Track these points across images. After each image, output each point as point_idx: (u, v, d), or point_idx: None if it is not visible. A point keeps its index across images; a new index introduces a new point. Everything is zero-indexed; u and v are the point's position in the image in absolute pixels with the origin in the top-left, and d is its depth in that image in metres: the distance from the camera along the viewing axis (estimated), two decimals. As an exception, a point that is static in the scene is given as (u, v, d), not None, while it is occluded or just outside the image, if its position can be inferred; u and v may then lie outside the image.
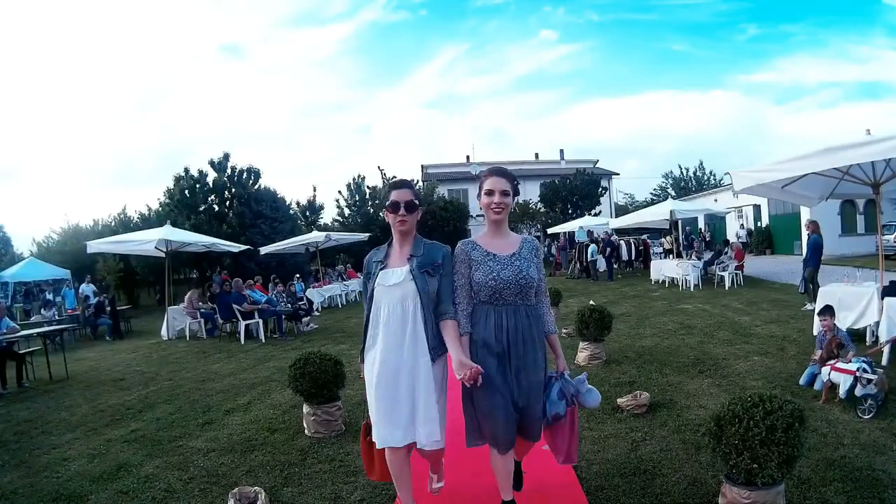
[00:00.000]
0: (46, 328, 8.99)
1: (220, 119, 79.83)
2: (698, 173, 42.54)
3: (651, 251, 18.63)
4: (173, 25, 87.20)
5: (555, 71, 75.12)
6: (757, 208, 23.20)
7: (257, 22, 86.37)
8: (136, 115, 78.00)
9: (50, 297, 15.75)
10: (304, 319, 10.36)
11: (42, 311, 12.93)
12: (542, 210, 27.03)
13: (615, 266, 16.84)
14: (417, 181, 28.49)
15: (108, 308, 12.24)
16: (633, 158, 74.00)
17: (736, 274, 12.29)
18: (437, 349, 2.29)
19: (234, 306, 9.19)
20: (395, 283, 2.30)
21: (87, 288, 15.31)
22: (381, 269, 2.36)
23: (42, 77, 77.38)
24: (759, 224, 23.17)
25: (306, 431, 4.02)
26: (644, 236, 20.31)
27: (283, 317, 9.96)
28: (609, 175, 33.07)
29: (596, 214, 25.63)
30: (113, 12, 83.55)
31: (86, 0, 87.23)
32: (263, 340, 9.16)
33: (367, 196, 27.03)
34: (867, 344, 5.66)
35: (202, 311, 10.65)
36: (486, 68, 77.78)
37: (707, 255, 14.83)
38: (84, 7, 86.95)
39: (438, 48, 78.67)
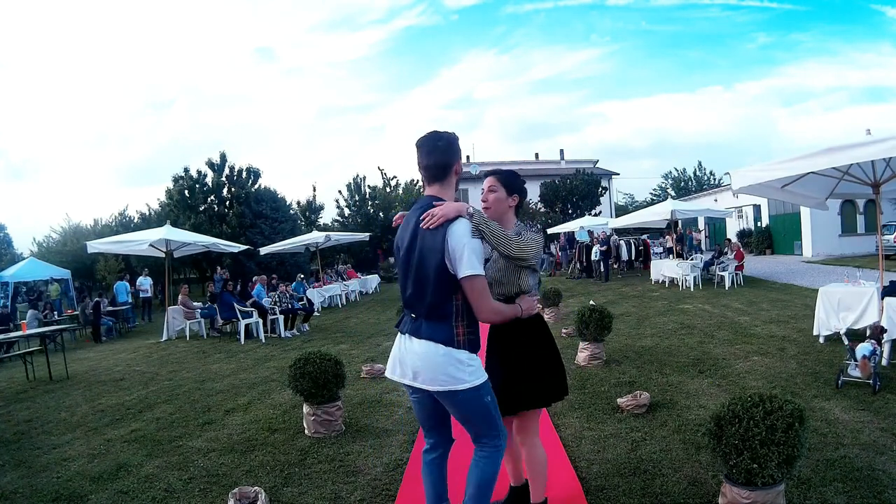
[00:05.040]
0: (46, 328, 9.01)
1: (230, 121, 79.68)
2: (698, 173, 42.59)
3: (651, 251, 18.63)
4: (173, 25, 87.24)
5: (569, 77, 75.56)
6: (757, 208, 23.21)
7: (287, 26, 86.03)
8: (148, 115, 77.97)
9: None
10: (303, 328, 10.38)
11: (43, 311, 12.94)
12: (542, 210, 27.05)
13: (614, 266, 16.77)
14: (416, 183, 28.49)
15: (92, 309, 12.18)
16: (635, 159, 74.13)
17: (736, 274, 12.28)
18: None
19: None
20: None
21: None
22: None
23: (81, 82, 77.31)
24: (759, 224, 23.17)
25: (306, 431, 4.01)
26: (644, 236, 20.31)
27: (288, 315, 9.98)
28: (609, 175, 33.11)
29: (596, 214, 25.65)
30: (116, 14, 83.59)
31: (90, 4, 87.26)
32: (263, 340, 9.17)
33: (367, 196, 27.06)
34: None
35: (201, 310, 10.66)
36: (503, 73, 78.07)
37: (702, 256, 14.81)
38: (91, 10, 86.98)
39: (461, 53, 78.89)
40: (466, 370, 1.96)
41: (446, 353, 1.95)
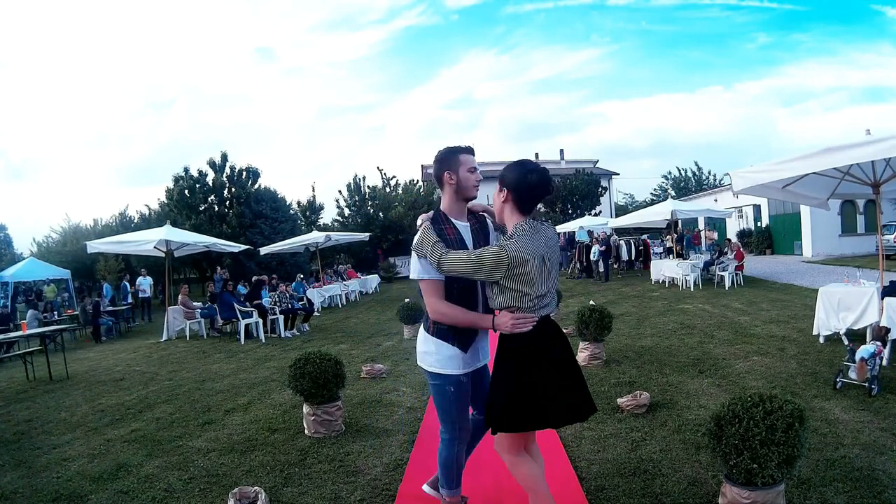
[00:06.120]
0: (46, 328, 9.00)
1: (230, 121, 79.61)
2: (698, 173, 42.56)
3: (651, 251, 18.61)
4: (173, 26, 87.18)
5: (569, 77, 75.65)
6: (757, 208, 23.19)
7: (287, 26, 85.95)
8: (148, 115, 77.94)
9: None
10: (303, 328, 10.38)
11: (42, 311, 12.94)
12: (542, 210, 27.03)
13: (614, 266, 16.70)
14: (416, 183, 28.49)
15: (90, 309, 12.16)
16: (635, 159, 74.15)
17: (736, 274, 12.28)
18: None
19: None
20: None
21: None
22: None
23: (84, 82, 77.23)
24: (759, 224, 23.16)
25: (306, 431, 4.02)
26: (644, 236, 20.29)
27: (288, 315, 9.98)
28: (609, 175, 33.11)
29: (596, 214, 25.64)
30: (116, 14, 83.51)
31: (91, 4, 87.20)
32: (263, 340, 9.17)
33: (367, 196, 27.02)
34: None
35: (201, 310, 10.66)
36: (503, 73, 78.12)
37: (699, 256, 14.79)
38: (91, 10, 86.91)
39: (461, 53, 78.91)
40: (432, 356, 2.33)
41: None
